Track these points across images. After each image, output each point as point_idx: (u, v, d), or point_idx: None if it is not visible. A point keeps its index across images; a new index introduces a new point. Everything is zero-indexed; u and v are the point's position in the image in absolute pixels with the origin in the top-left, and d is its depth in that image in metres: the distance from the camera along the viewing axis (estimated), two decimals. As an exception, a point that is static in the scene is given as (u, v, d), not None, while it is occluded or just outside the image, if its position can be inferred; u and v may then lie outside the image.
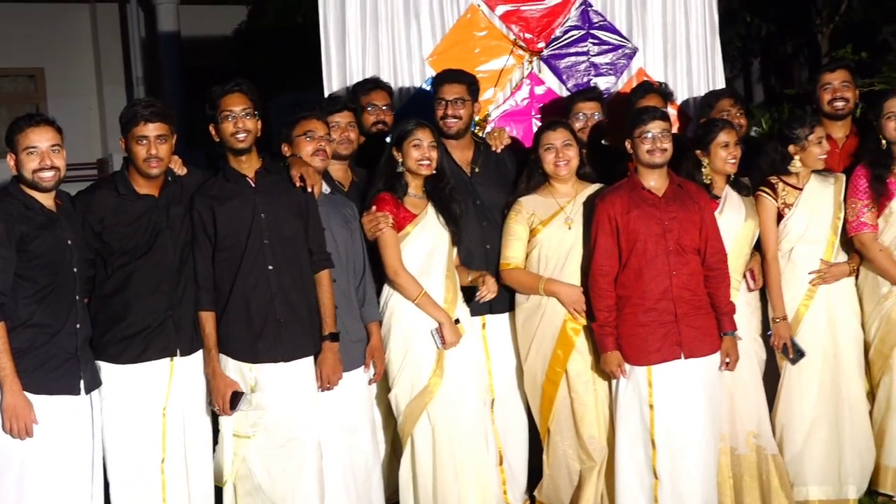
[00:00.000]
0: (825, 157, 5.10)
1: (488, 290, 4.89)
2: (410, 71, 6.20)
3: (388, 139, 5.09)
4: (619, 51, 6.33)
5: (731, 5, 11.67)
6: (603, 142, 5.66)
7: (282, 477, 4.45)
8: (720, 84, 6.42)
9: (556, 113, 5.92)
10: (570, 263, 4.93)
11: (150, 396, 4.40)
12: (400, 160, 4.83)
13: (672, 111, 5.89)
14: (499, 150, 5.40)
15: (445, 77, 5.30)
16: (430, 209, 4.87)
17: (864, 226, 5.10)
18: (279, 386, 4.45)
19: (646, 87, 5.82)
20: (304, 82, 10.04)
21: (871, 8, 11.35)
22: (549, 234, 4.94)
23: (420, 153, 4.80)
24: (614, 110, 5.83)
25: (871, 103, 5.38)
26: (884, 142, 5.12)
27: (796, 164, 5.11)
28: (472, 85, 5.30)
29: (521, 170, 5.20)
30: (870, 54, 10.50)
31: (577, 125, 5.45)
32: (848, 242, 5.20)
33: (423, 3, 6.24)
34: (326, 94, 6.07)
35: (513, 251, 4.99)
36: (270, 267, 4.43)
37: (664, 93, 5.82)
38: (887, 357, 5.13)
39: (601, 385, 4.94)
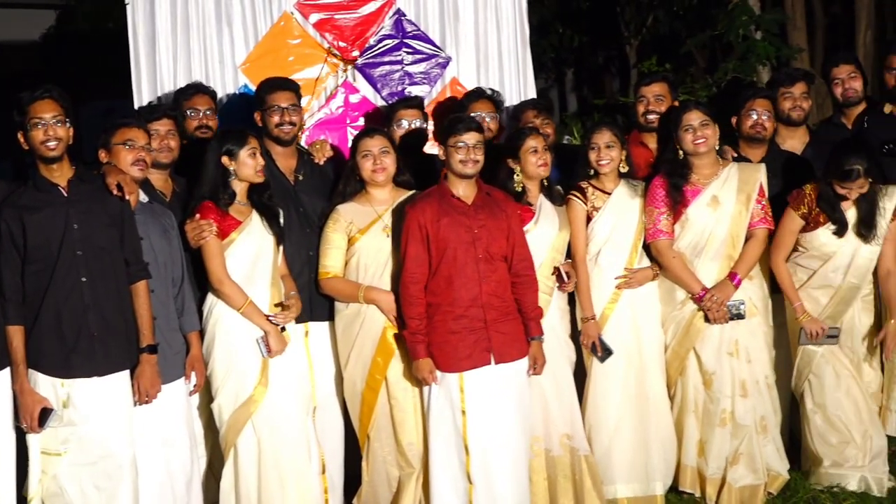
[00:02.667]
0: (605, 162, 5.29)
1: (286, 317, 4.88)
2: (223, 78, 6.21)
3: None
4: (433, 60, 6.47)
5: (545, 17, 11.99)
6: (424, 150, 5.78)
7: (96, 495, 4.37)
8: (531, 94, 6.62)
9: (377, 121, 6.03)
10: (388, 271, 5.01)
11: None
12: (232, 168, 4.80)
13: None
14: (321, 163, 5.46)
15: (276, 84, 5.35)
16: (255, 216, 4.89)
17: (661, 233, 5.31)
18: (93, 401, 4.37)
19: (479, 92, 5.98)
20: (116, 89, 9.79)
21: (675, 21, 11.83)
22: (367, 242, 5.02)
23: (256, 162, 4.82)
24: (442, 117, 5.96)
25: (670, 114, 5.61)
26: (681, 152, 5.33)
27: (592, 170, 5.34)
28: (298, 92, 5.39)
29: (338, 178, 5.25)
30: (674, 66, 10.97)
31: (399, 133, 5.53)
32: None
33: (236, 9, 6.24)
34: (136, 102, 5.99)
35: (331, 260, 5.04)
36: (84, 279, 4.35)
37: (496, 100, 5.97)
38: (683, 359, 5.34)
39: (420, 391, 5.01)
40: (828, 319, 5.33)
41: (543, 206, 5.22)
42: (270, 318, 4.80)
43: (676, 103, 5.79)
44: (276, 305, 4.86)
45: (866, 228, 5.25)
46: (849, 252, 5.28)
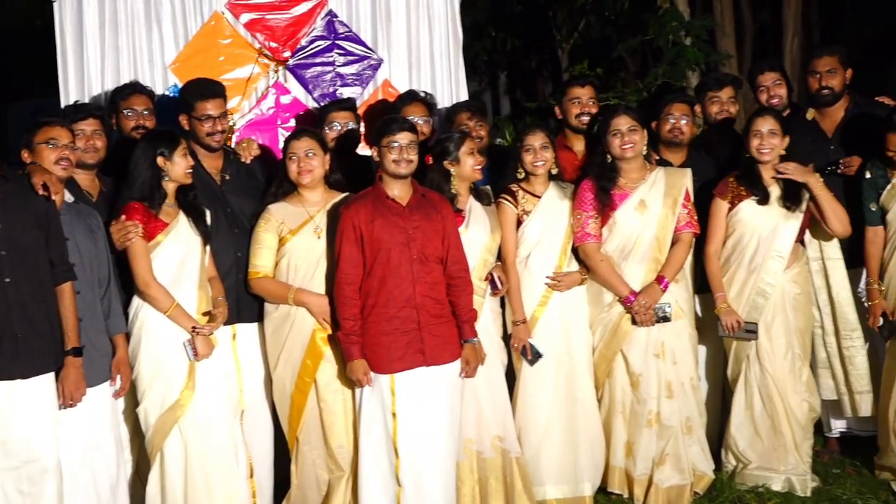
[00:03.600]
0: (540, 164, 5.34)
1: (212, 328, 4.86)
2: (152, 78, 6.17)
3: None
4: (365, 62, 6.47)
5: (478, 19, 12.02)
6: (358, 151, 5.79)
7: (19, 500, 4.33)
8: (463, 96, 6.65)
9: (309, 122, 6.02)
10: (319, 273, 5.01)
11: None
12: (166, 169, 4.78)
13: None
14: (248, 161, 5.42)
15: (206, 92, 5.27)
16: (182, 217, 4.87)
17: (588, 236, 5.36)
18: (16, 405, 4.32)
19: (411, 95, 6.00)
20: (45, 87, 9.65)
21: (606, 26, 11.93)
22: (298, 242, 5.01)
23: (187, 163, 4.83)
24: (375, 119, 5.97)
25: (599, 118, 5.67)
26: (609, 156, 5.40)
27: (521, 171, 5.37)
28: (225, 95, 5.39)
29: (268, 178, 5.23)
30: (605, 70, 11.05)
31: (331, 135, 5.53)
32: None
33: (165, 8, 6.21)
34: (63, 101, 5.91)
35: (261, 259, 5.03)
36: (7, 279, 4.30)
37: (429, 103, 5.99)
38: (610, 361, 5.40)
39: (350, 394, 5.01)
40: (752, 312, 5.41)
41: (473, 208, 5.25)
42: (196, 328, 4.76)
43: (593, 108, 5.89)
44: (204, 314, 4.84)
45: (791, 199, 5.39)
46: (772, 222, 5.39)
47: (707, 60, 9.43)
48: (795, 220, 5.40)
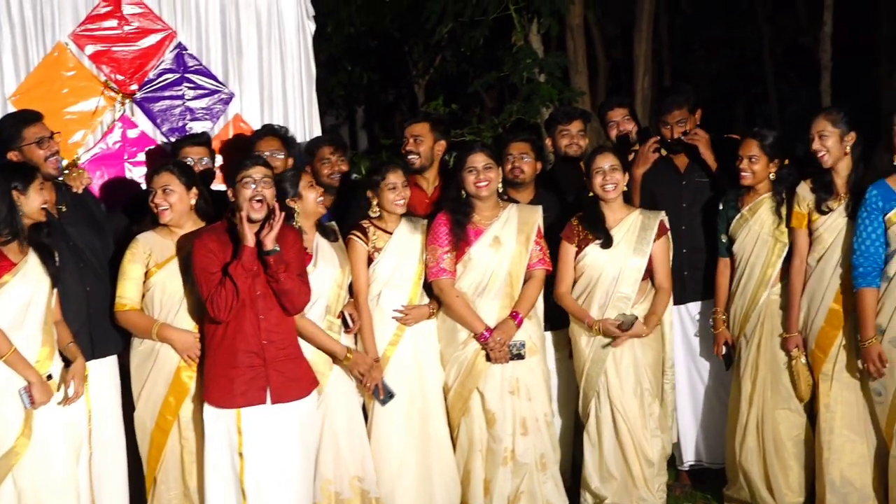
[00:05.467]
0: (401, 202, 5.37)
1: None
2: (-9, 110, 5.95)
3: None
4: (216, 96, 6.41)
5: (333, 54, 12.04)
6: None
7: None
8: (317, 132, 6.66)
9: (159, 157, 5.94)
10: (184, 308, 4.92)
11: None
12: (20, 203, 4.62)
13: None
14: (79, 191, 5.28)
15: (27, 117, 5.11)
16: (32, 257, 4.66)
17: (444, 272, 5.38)
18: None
19: (267, 129, 5.95)
20: None
21: (462, 62, 12.09)
22: (164, 277, 4.92)
23: (42, 197, 4.69)
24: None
25: (456, 154, 5.71)
26: (464, 192, 5.44)
27: (375, 209, 5.38)
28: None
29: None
30: (461, 106, 11.19)
31: None
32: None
33: (5, 38, 6.09)
34: None
35: (127, 291, 4.94)
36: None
37: (285, 137, 5.93)
38: (467, 400, 5.41)
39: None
40: (600, 352, 5.46)
41: (321, 246, 5.21)
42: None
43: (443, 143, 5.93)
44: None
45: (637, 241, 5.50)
46: (618, 264, 5.47)
47: (561, 97, 9.61)
48: (641, 260, 5.48)
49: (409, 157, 5.85)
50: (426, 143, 5.86)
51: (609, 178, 5.45)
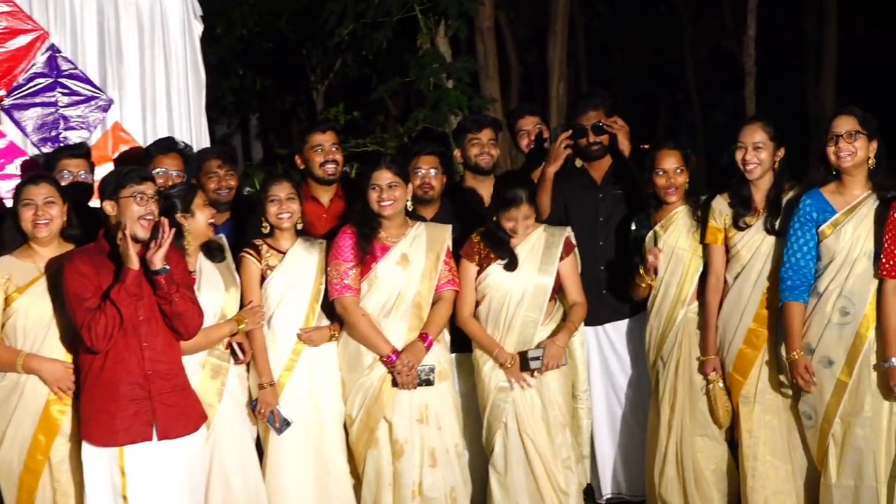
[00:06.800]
0: (286, 216, 5.36)
1: None
2: None
3: None
4: (92, 102, 6.37)
5: (225, 56, 11.96)
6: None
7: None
8: (206, 142, 6.64)
9: (32, 169, 5.87)
10: (53, 335, 4.84)
11: None
12: None
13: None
14: None
15: None
16: None
17: (348, 289, 5.39)
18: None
19: (169, 143, 5.91)
20: None
21: (364, 66, 12.09)
22: (27, 302, 4.84)
23: None
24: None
25: (362, 165, 5.73)
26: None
27: (265, 226, 5.39)
28: None
29: None
30: (364, 114, 11.19)
31: (62, 184, 5.38)
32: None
33: None
34: None
35: None
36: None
37: (185, 154, 5.90)
38: (373, 430, 5.41)
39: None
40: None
41: (204, 268, 5.19)
42: None
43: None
44: None
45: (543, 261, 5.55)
46: (522, 285, 5.52)
47: (470, 104, 9.69)
48: (547, 279, 5.53)
49: (326, 166, 5.87)
50: (339, 151, 5.94)
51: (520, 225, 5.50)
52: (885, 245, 4.99)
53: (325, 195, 5.94)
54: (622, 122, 5.98)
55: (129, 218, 4.64)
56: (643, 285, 5.65)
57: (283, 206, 5.36)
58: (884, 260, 4.99)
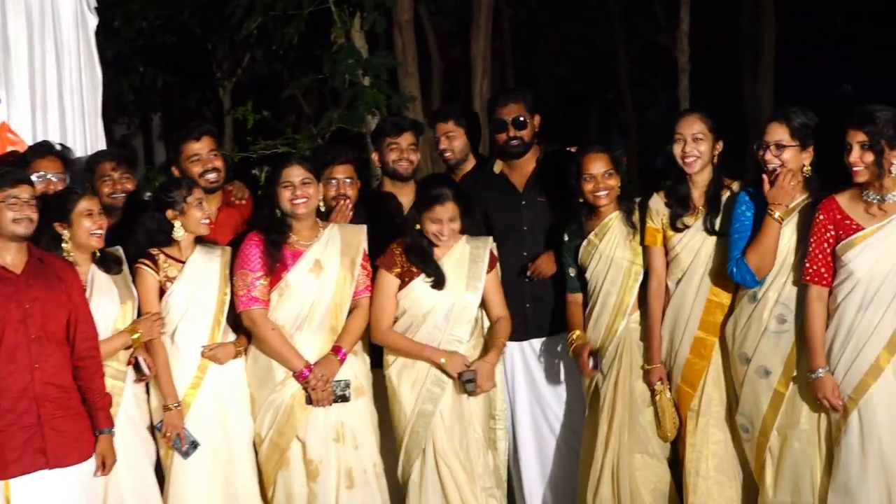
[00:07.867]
0: (208, 220, 5.36)
1: None
2: None
3: None
4: (-23, 102, 6.25)
5: (122, 52, 11.87)
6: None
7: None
8: (101, 144, 6.57)
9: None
10: None
11: None
12: None
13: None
14: None
15: None
16: None
17: (255, 301, 5.37)
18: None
19: (46, 147, 5.83)
20: None
21: (274, 62, 12.07)
22: None
23: None
24: None
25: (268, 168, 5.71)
26: (278, 210, 5.42)
27: (178, 232, 5.33)
28: None
29: None
30: (274, 113, 11.15)
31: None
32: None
33: None
34: None
35: None
36: None
37: (65, 157, 5.84)
38: (285, 451, 5.39)
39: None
40: (426, 404, 5.46)
41: (97, 279, 5.15)
42: None
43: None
44: None
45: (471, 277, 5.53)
46: (448, 301, 5.51)
47: (388, 103, 9.69)
48: (475, 296, 5.54)
49: (207, 175, 5.79)
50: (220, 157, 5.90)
51: (446, 228, 5.45)
52: (809, 249, 5.04)
53: (210, 204, 5.70)
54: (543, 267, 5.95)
55: (3, 219, 4.61)
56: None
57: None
58: (807, 265, 5.05)
